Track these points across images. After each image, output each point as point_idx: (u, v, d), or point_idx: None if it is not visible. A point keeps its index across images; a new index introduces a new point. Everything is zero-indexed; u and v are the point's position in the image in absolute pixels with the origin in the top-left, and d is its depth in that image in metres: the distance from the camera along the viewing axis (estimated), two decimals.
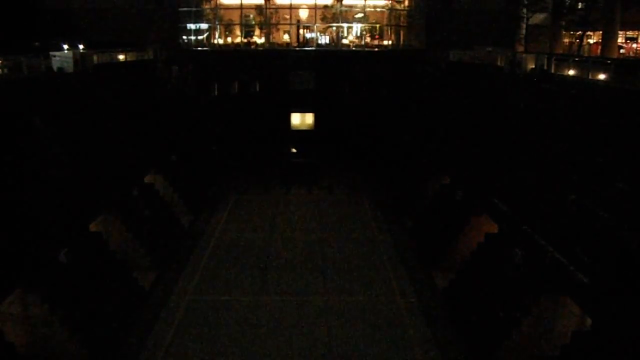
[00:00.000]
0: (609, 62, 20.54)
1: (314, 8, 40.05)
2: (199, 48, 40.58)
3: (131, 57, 31.94)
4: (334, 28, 41.63)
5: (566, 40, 40.72)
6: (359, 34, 43.39)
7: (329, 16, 41.12)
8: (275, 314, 19.45)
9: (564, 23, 35.81)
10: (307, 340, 17.84)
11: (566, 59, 23.72)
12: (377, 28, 44.39)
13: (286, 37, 42.67)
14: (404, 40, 43.59)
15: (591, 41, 39.75)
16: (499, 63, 27.52)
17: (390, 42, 43.99)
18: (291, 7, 40.21)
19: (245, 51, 40.47)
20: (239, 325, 18.67)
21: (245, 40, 41.85)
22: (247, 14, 42.01)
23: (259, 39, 42.48)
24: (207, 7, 41.67)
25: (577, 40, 38.13)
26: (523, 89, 23.37)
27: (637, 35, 38.93)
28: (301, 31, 42.36)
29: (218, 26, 41.43)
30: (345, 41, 42.09)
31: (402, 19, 44.19)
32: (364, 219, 29.45)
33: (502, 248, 18.20)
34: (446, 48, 35.15)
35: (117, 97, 26.75)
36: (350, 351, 17.29)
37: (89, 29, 40.20)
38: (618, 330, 12.34)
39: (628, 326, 12.01)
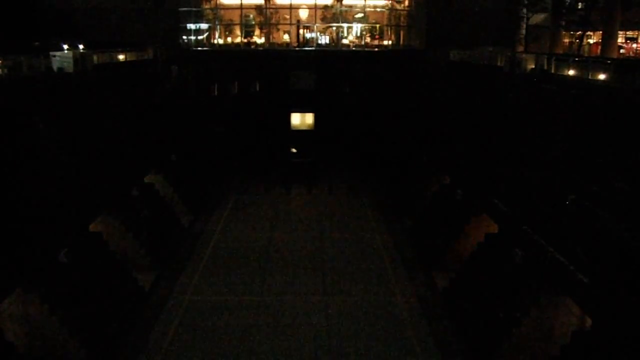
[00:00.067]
0: (609, 62, 20.50)
1: (314, 8, 40.04)
2: (199, 48, 40.57)
3: (131, 57, 31.86)
4: (334, 28, 41.64)
5: (566, 40, 40.71)
6: (359, 34, 43.36)
7: (329, 16, 41.13)
8: (275, 314, 19.46)
9: (564, 23, 35.79)
10: (307, 341, 17.84)
11: (566, 59, 23.69)
12: (377, 28, 44.36)
13: (286, 37, 42.64)
14: (404, 40, 43.57)
15: (591, 41, 39.74)
16: (499, 63, 27.50)
17: (390, 42, 43.96)
18: (291, 7, 40.18)
19: (245, 51, 40.49)
20: (238, 325, 18.67)
21: (245, 40, 41.84)
22: (247, 14, 42.01)
23: (259, 39, 42.49)
24: (207, 7, 41.68)
25: (577, 40, 38.15)
26: (523, 89, 23.36)
27: (637, 35, 38.90)
28: (301, 31, 42.29)
29: (218, 26, 41.43)
30: (345, 41, 42.07)
31: (402, 19, 44.19)
32: (364, 219, 29.46)
33: (502, 248, 18.21)
34: (446, 48, 35.14)
35: (117, 97, 26.73)
36: (350, 351, 17.29)
37: (89, 29, 40.23)
38: (618, 330, 12.34)
39: (628, 326, 12.00)
